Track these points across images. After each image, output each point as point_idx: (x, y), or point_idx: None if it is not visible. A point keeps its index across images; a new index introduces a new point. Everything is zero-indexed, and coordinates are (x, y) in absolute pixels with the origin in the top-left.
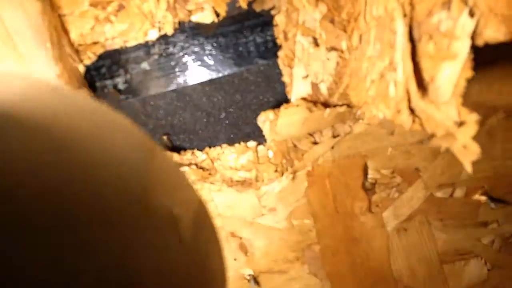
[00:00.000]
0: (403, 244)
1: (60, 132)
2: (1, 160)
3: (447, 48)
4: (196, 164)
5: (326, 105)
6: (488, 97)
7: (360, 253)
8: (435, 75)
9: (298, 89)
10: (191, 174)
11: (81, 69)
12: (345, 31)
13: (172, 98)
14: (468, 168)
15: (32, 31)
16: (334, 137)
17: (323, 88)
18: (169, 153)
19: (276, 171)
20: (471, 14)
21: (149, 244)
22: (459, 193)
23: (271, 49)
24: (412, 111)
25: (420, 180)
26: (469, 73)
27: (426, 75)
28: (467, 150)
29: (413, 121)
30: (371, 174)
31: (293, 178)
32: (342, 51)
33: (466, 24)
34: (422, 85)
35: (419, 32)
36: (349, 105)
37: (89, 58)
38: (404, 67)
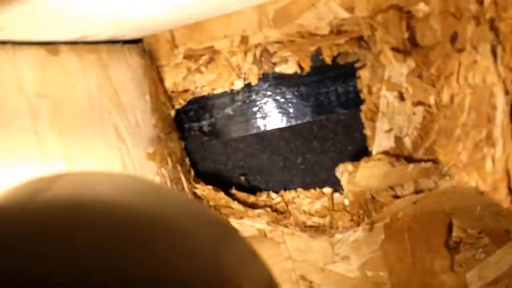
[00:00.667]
0: None
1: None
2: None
3: None
4: (270, 206)
5: (409, 159)
6: None
7: None
8: None
9: (380, 142)
10: (265, 216)
11: (172, 113)
12: (433, 86)
13: (252, 142)
14: None
15: (134, 85)
16: (417, 192)
17: (407, 142)
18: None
19: (351, 220)
20: None
21: None
22: None
23: (352, 99)
24: (511, 191)
25: (510, 243)
26: None
27: None
28: None
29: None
30: (456, 233)
31: (370, 229)
32: (429, 106)
33: None
34: None
35: None
36: (435, 161)
37: (180, 104)
38: (504, 146)
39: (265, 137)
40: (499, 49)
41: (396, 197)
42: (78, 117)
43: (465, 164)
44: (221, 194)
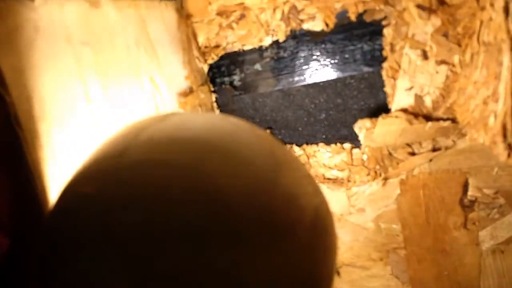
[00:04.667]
0: (497, 265)
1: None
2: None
3: None
4: None
5: (428, 118)
6: None
7: (448, 265)
8: None
9: (399, 100)
10: None
11: (205, 68)
12: (459, 45)
13: (278, 97)
14: None
15: (169, 39)
16: (434, 150)
17: (428, 101)
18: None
19: (368, 174)
20: None
21: (267, 248)
22: None
23: (378, 58)
24: (509, 145)
25: None
26: None
27: None
28: None
29: (508, 155)
30: (471, 192)
31: (385, 184)
32: (453, 65)
33: None
34: None
35: None
36: (454, 120)
37: (212, 59)
38: (504, 102)
39: (291, 93)
40: (511, 6)
41: (413, 154)
42: (117, 65)
43: (476, 121)
44: None
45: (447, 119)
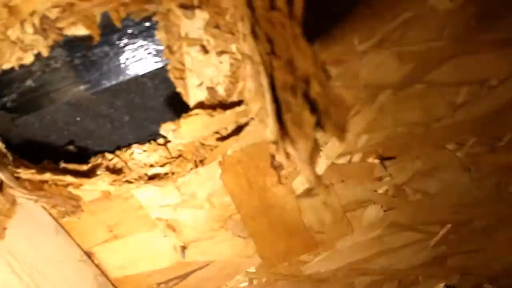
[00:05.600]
0: (311, 203)
1: None
2: None
3: None
4: (108, 167)
5: (225, 105)
6: (376, 77)
7: (275, 215)
8: None
9: (195, 96)
10: (106, 178)
11: None
12: (232, 33)
13: (69, 110)
14: None
15: None
16: (238, 130)
17: (221, 90)
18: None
19: (188, 164)
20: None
21: None
22: (356, 158)
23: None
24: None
25: (322, 152)
26: None
27: None
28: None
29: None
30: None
31: (207, 169)
32: (233, 53)
33: None
34: None
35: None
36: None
37: None
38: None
39: (82, 103)
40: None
41: (222, 139)
42: None
43: (260, 116)
44: (47, 175)
45: (242, 102)
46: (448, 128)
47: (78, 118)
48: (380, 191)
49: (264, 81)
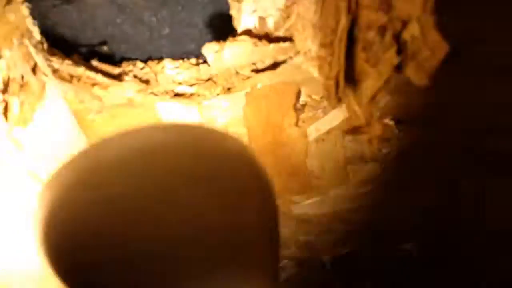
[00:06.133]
0: (319, 150)
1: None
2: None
3: None
4: (137, 76)
5: (270, 38)
6: None
7: (282, 155)
8: None
9: (245, 23)
10: (133, 85)
11: None
12: None
13: (111, 10)
14: None
15: None
16: (274, 66)
17: (270, 22)
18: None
19: (217, 89)
20: None
21: None
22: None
23: None
24: (339, 98)
25: (340, 104)
26: None
27: None
28: None
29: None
30: (303, 98)
31: (232, 97)
32: None
33: None
34: None
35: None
36: (291, 39)
37: None
38: (338, 61)
39: (127, 6)
40: None
41: (257, 71)
42: None
43: (312, 58)
44: (81, 69)
45: (286, 39)
46: None
47: (118, 20)
48: (385, 151)
49: (343, 18)
